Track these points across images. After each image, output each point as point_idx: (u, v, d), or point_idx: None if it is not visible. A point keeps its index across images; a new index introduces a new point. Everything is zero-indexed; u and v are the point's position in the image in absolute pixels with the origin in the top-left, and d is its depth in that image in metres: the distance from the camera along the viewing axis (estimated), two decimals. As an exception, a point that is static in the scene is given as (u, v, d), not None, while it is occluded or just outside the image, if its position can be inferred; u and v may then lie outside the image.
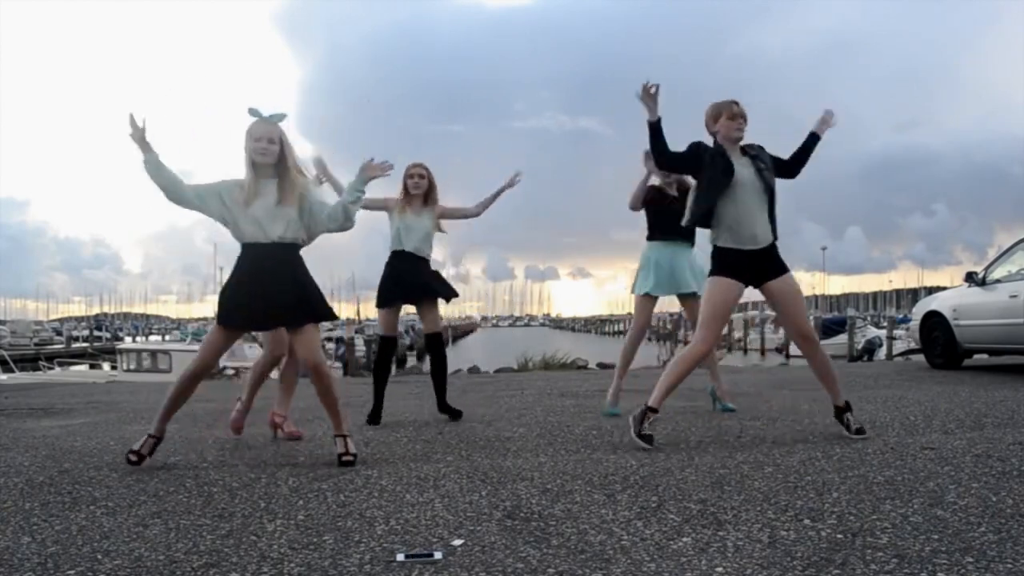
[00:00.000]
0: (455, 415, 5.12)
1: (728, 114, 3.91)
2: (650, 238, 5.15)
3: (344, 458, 3.62)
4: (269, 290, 3.54)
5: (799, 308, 4.03)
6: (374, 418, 4.97)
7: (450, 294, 5.06)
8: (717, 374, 5.24)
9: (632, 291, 5.19)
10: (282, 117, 3.61)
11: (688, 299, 5.10)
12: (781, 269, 3.97)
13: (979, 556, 2.17)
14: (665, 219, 4.97)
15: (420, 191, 5.01)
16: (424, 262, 5.02)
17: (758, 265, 3.93)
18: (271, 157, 3.55)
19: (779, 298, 3.97)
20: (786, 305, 3.98)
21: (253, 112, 3.57)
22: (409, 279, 4.97)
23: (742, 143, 3.97)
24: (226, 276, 3.80)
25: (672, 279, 5.03)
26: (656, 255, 5.06)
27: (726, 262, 3.93)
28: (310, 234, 3.76)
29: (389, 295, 5.01)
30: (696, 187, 4.01)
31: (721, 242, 3.95)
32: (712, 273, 3.98)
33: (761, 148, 4.03)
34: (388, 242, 5.07)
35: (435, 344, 5.19)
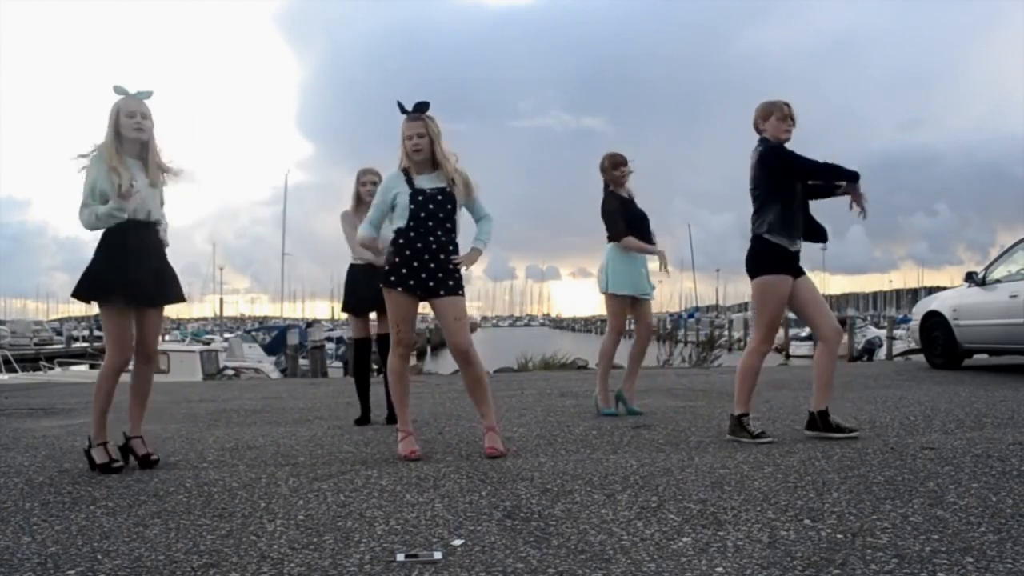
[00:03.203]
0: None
1: (779, 115, 3.94)
2: (611, 239, 5.16)
3: (142, 459, 3.68)
4: (148, 268, 3.50)
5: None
6: (363, 420, 4.98)
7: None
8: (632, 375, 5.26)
9: (600, 289, 5.21)
10: (149, 94, 3.52)
11: (640, 302, 5.12)
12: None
13: (979, 556, 2.17)
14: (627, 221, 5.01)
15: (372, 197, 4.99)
16: (365, 267, 4.89)
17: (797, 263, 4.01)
18: (147, 134, 3.50)
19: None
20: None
21: (119, 90, 3.47)
22: (353, 289, 5.03)
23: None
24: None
25: (637, 280, 5.06)
26: (619, 255, 5.07)
27: (779, 257, 3.95)
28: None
29: (348, 302, 5.12)
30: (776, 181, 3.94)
31: (775, 238, 3.93)
32: (768, 271, 3.95)
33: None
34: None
35: (367, 347, 5.11)
